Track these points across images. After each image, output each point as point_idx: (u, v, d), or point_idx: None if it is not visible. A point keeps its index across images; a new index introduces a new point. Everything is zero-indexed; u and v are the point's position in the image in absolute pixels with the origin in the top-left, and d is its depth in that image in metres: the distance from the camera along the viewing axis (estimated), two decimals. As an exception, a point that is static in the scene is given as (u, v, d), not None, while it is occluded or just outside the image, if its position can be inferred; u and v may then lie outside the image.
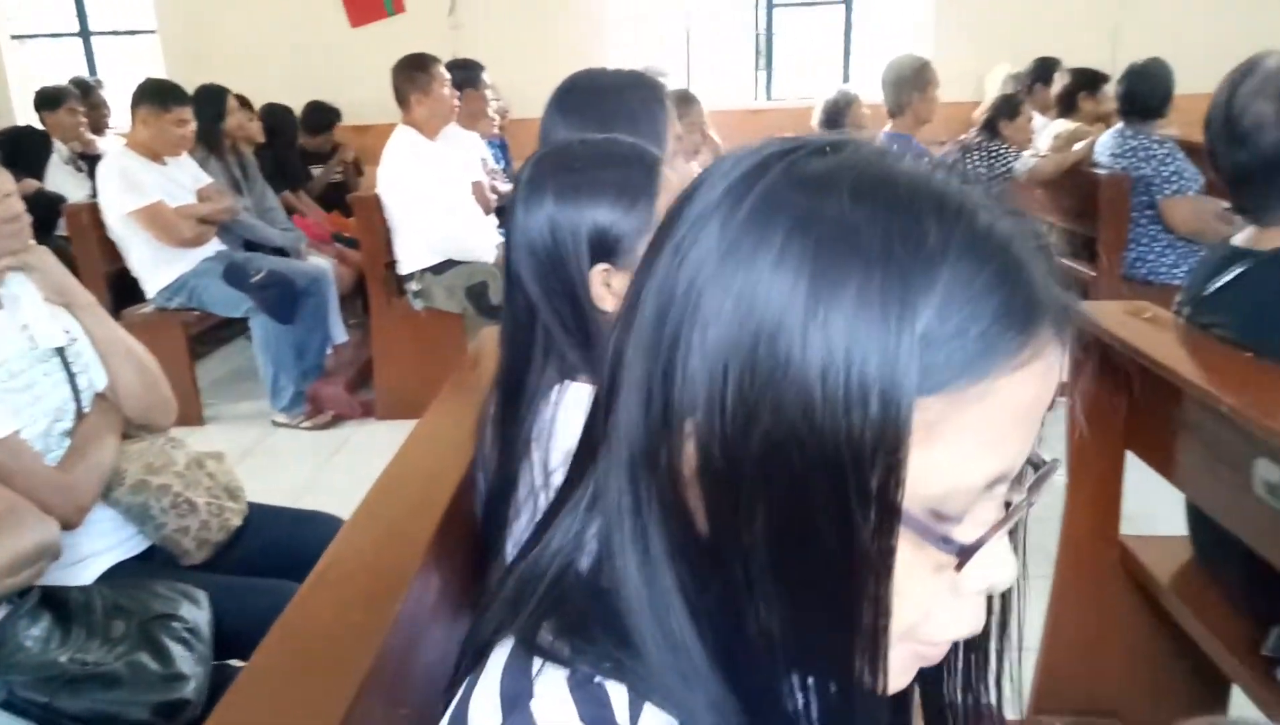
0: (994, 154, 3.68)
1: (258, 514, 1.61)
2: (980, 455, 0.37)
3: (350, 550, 0.86)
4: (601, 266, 0.93)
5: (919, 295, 0.35)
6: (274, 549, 1.54)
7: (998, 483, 0.38)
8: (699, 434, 0.38)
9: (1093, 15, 5.07)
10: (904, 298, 0.35)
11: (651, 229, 0.93)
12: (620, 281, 0.94)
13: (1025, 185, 3.72)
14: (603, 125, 1.27)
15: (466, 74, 3.79)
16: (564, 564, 0.45)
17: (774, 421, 0.36)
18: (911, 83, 3.54)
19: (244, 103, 4.28)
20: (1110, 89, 4.15)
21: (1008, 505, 0.40)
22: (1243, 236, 1.42)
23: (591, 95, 1.42)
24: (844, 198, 0.36)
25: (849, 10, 5.44)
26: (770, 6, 5.47)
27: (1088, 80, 4.25)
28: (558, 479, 0.92)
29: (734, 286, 0.37)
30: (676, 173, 1.46)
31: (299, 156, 4.72)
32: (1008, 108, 3.77)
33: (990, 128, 3.75)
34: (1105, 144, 3.51)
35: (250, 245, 3.81)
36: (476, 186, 3.59)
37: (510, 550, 0.94)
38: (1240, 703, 1.48)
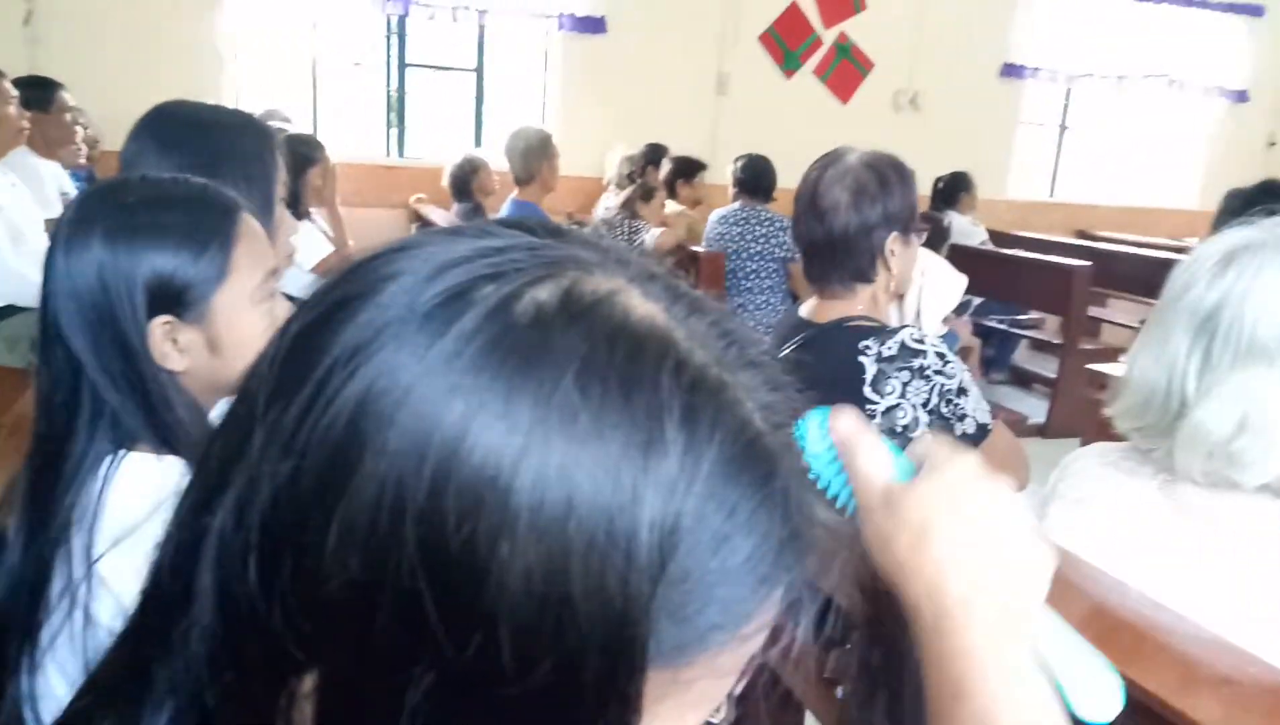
0: (632, 230, 4.10)
1: None
2: (686, 718, 0.32)
3: None
4: (163, 319, 0.82)
5: (654, 536, 0.27)
6: None
7: None
8: (325, 687, 0.29)
9: (696, 108, 5.69)
10: (631, 547, 0.27)
11: (226, 278, 0.84)
12: (188, 337, 0.83)
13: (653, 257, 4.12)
14: (211, 166, 1.15)
15: (40, 93, 3.28)
16: None
17: (443, 668, 0.27)
18: (539, 152, 3.72)
19: None
20: (706, 176, 4.75)
21: None
22: (807, 307, 1.62)
23: (197, 130, 1.28)
24: (567, 380, 0.27)
25: (480, 78, 5.58)
26: (403, 66, 5.45)
27: (684, 168, 4.84)
28: (104, 570, 0.79)
29: (424, 447, 0.27)
30: (284, 223, 1.37)
31: None
32: (644, 191, 4.23)
33: (629, 208, 4.17)
34: (728, 216, 4.00)
35: None
36: (50, 224, 3.09)
37: (41, 661, 0.77)
38: None
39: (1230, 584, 0.95)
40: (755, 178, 4.03)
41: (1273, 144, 7.14)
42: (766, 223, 3.93)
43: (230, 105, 1.48)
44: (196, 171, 1.03)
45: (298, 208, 2.87)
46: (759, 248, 3.90)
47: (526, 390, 0.27)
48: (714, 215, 4.11)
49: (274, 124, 3.35)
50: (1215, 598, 0.95)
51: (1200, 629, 0.91)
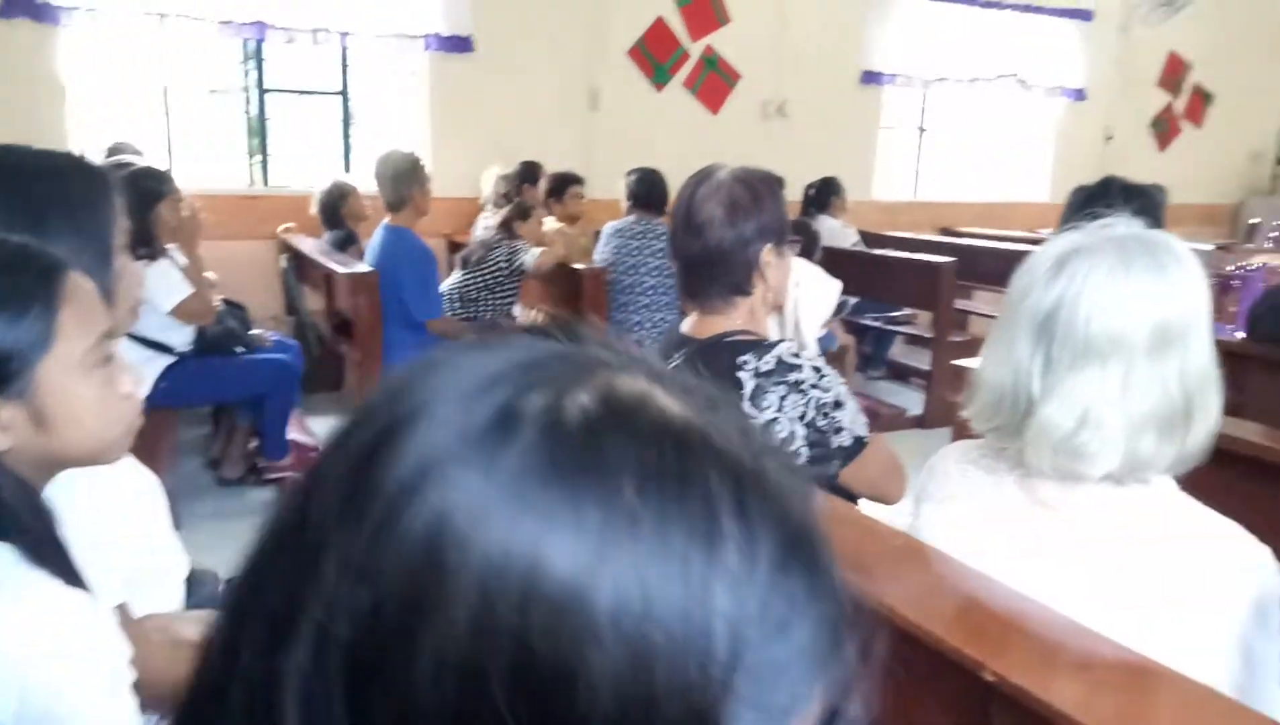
0: (511, 250, 4.00)
1: None
2: None
3: None
4: None
5: (726, 627, 0.29)
6: None
7: None
8: None
9: (570, 124, 5.69)
10: (708, 640, 0.28)
11: (51, 346, 0.78)
12: (9, 414, 0.76)
13: (533, 276, 4.07)
14: (34, 219, 1.07)
15: None
16: None
17: None
18: (409, 177, 3.65)
19: None
20: (581, 189, 4.75)
21: None
22: (688, 323, 1.63)
23: (16, 179, 1.18)
24: (627, 486, 0.29)
25: (346, 102, 5.44)
26: (262, 91, 5.25)
27: (558, 185, 4.83)
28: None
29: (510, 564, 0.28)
30: (127, 273, 1.29)
31: None
32: (520, 210, 4.15)
33: (507, 228, 4.08)
34: (624, 229, 4.03)
35: None
36: None
37: None
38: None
39: (1085, 570, 1.01)
40: (648, 191, 4.06)
41: (1110, 138, 7.66)
42: (663, 237, 3.96)
43: (75, 139, 1.39)
44: (18, 226, 0.96)
45: (151, 247, 2.72)
46: (657, 262, 3.94)
47: (590, 499, 0.28)
48: (608, 228, 4.11)
49: (123, 157, 3.17)
50: (1072, 585, 1.00)
51: (1059, 616, 0.96)
